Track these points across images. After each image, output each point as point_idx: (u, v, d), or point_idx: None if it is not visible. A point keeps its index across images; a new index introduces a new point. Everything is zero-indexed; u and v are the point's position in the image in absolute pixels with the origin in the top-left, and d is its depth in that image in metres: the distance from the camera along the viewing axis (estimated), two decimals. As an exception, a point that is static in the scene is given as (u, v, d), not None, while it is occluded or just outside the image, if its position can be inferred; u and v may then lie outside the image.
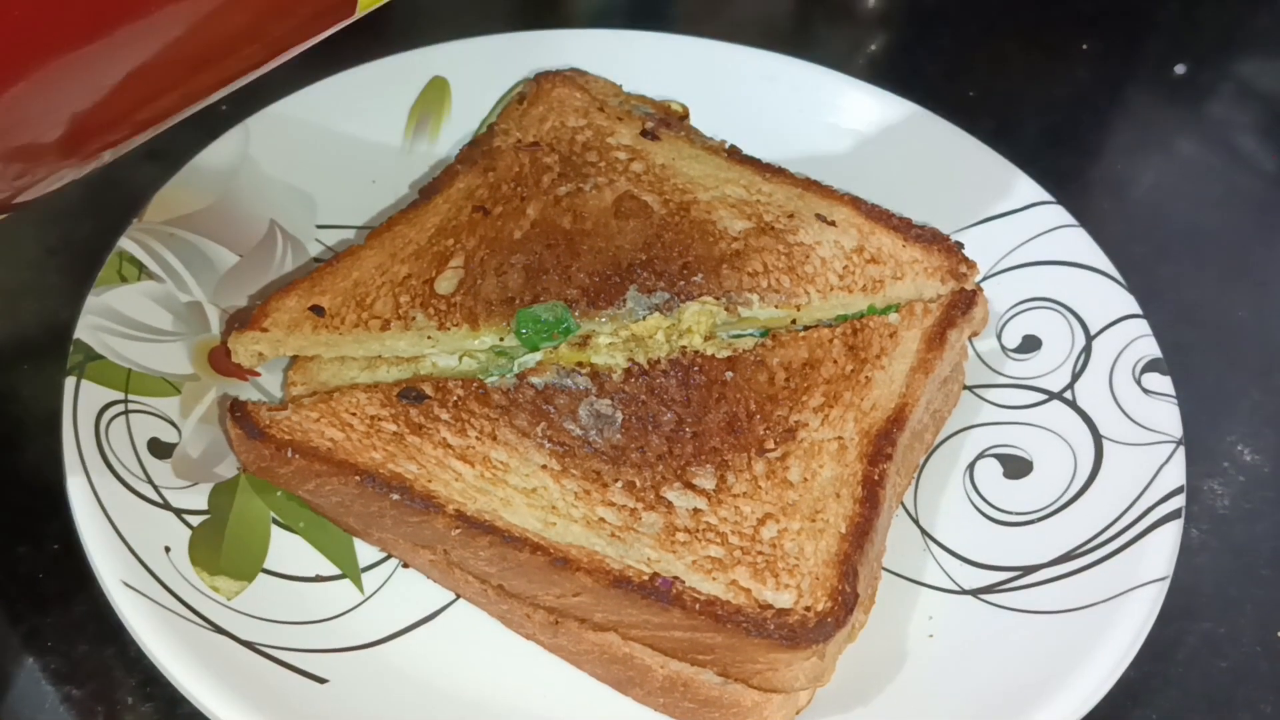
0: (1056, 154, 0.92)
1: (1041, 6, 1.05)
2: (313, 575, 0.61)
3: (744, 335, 0.68)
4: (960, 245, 0.71)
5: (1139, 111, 0.98)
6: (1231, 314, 0.83)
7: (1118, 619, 0.59)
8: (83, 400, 0.62)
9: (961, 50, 1.00)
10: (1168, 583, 0.60)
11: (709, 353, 0.66)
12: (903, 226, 0.72)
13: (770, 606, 0.55)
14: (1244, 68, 1.04)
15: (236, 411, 0.62)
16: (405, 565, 0.62)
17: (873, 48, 1.01)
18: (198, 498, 0.62)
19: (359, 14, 0.44)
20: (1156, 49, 1.03)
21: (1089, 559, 0.62)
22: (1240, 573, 0.69)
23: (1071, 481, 0.66)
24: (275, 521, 0.63)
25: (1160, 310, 0.75)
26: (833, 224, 0.72)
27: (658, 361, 0.65)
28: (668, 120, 0.78)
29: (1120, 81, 1.00)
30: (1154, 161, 0.94)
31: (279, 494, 0.63)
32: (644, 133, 0.76)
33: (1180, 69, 1.00)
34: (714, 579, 0.57)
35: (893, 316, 0.68)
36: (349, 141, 0.79)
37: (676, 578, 0.56)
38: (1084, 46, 1.01)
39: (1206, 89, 1.01)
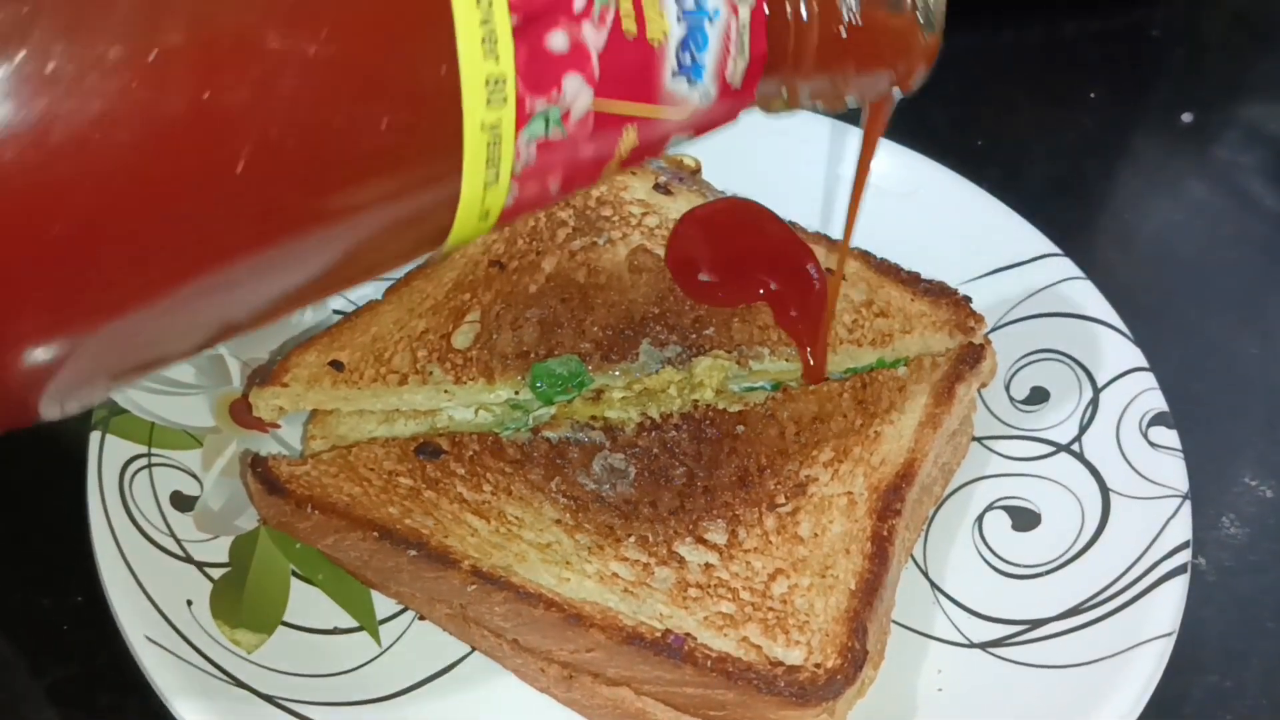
0: (1064, 202, 0.93)
1: (1048, 54, 1.06)
2: (331, 628, 0.63)
3: (755, 388, 0.69)
4: (968, 299, 0.72)
5: (1146, 159, 0.99)
6: (1239, 363, 0.84)
7: (1125, 674, 0.59)
8: (107, 455, 0.63)
9: (969, 99, 1.01)
10: (1174, 638, 0.61)
11: (720, 406, 0.67)
12: (911, 280, 0.73)
13: (781, 664, 0.56)
14: (1251, 112, 1.05)
15: (257, 467, 0.63)
16: (422, 618, 0.63)
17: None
18: (219, 550, 0.63)
19: (447, 248, 0.44)
20: (1163, 96, 1.04)
21: (1096, 613, 0.63)
22: (1246, 625, 0.69)
23: (1079, 534, 0.67)
24: (294, 574, 0.64)
25: (1168, 359, 0.76)
26: (842, 277, 0.73)
27: (670, 415, 0.66)
28: (681, 174, 0.79)
29: (1127, 129, 1.01)
30: (1162, 208, 0.95)
31: (298, 546, 0.64)
32: (657, 187, 0.77)
33: (1187, 117, 1.01)
34: (725, 636, 0.57)
35: (901, 370, 0.69)
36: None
37: (688, 634, 0.57)
38: (1091, 95, 1.02)
39: (1213, 134, 1.02)
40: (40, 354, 0.35)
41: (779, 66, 0.45)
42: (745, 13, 0.43)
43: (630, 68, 0.41)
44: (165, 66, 0.32)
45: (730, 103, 0.44)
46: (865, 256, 0.74)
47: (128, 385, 0.41)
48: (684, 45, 0.42)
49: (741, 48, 0.43)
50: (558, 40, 0.39)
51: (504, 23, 0.37)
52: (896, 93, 0.51)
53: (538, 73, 0.39)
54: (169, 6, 0.33)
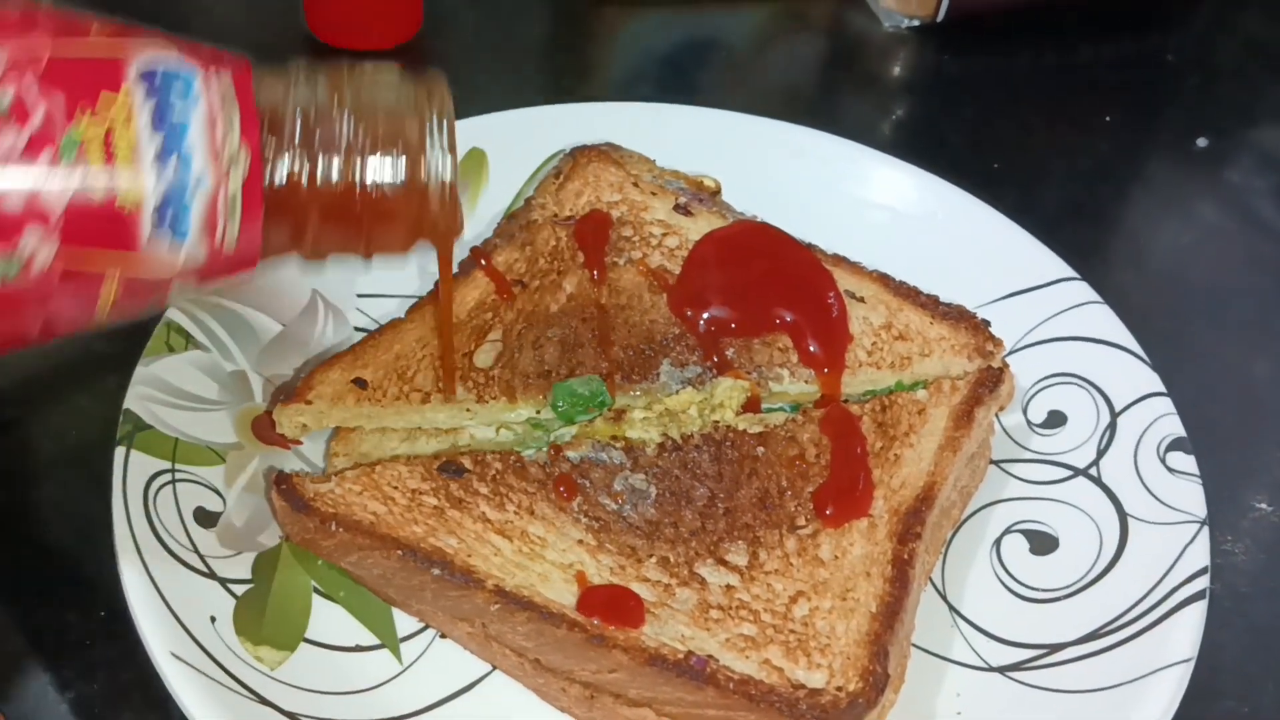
0: (1079, 225, 0.93)
1: (1064, 79, 1.07)
2: (352, 645, 0.63)
3: (775, 410, 0.69)
4: (987, 323, 0.72)
5: (1160, 183, 1.00)
6: (1253, 387, 0.84)
7: (1143, 700, 0.60)
8: (132, 470, 0.64)
9: (986, 121, 1.02)
10: (1192, 664, 0.61)
11: (741, 428, 0.67)
12: (930, 304, 0.73)
13: (803, 686, 0.57)
14: (1264, 137, 1.05)
15: (282, 484, 0.63)
16: (443, 636, 0.64)
17: (897, 117, 1.03)
18: (241, 567, 0.64)
19: None
20: (1178, 121, 1.04)
21: (1115, 638, 0.63)
22: (1263, 650, 0.69)
23: (1097, 559, 0.67)
24: (316, 591, 0.64)
25: (1184, 381, 0.76)
26: (861, 300, 0.73)
27: (691, 436, 0.67)
28: (700, 195, 0.79)
29: (1142, 153, 1.01)
30: (1176, 233, 0.96)
31: (320, 563, 0.65)
32: (677, 208, 0.78)
33: (1202, 142, 1.01)
34: (747, 658, 0.58)
35: (921, 393, 0.69)
36: (388, 212, 0.80)
37: (710, 656, 0.57)
38: (1107, 119, 1.03)
39: (1227, 159, 1.02)
40: None
41: (285, 228, 0.46)
42: (237, 178, 0.44)
43: (99, 225, 0.42)
44: None
45: (231, 258, 0.45)
46: (885, 279, 0.75)
47: None
48: (162, 208, 0.43)
49: (232, 212, 0.44)
50: (11, 199, 0.41)
51: None
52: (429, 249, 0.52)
53: None
54: None
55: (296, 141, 0.45)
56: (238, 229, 0.44)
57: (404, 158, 0.47)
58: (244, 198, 0.44)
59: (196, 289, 0.45)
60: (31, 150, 0.41)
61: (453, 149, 0.48)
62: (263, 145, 0.45)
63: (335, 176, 0.46)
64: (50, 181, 0.41)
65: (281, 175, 0.45)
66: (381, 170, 0.46)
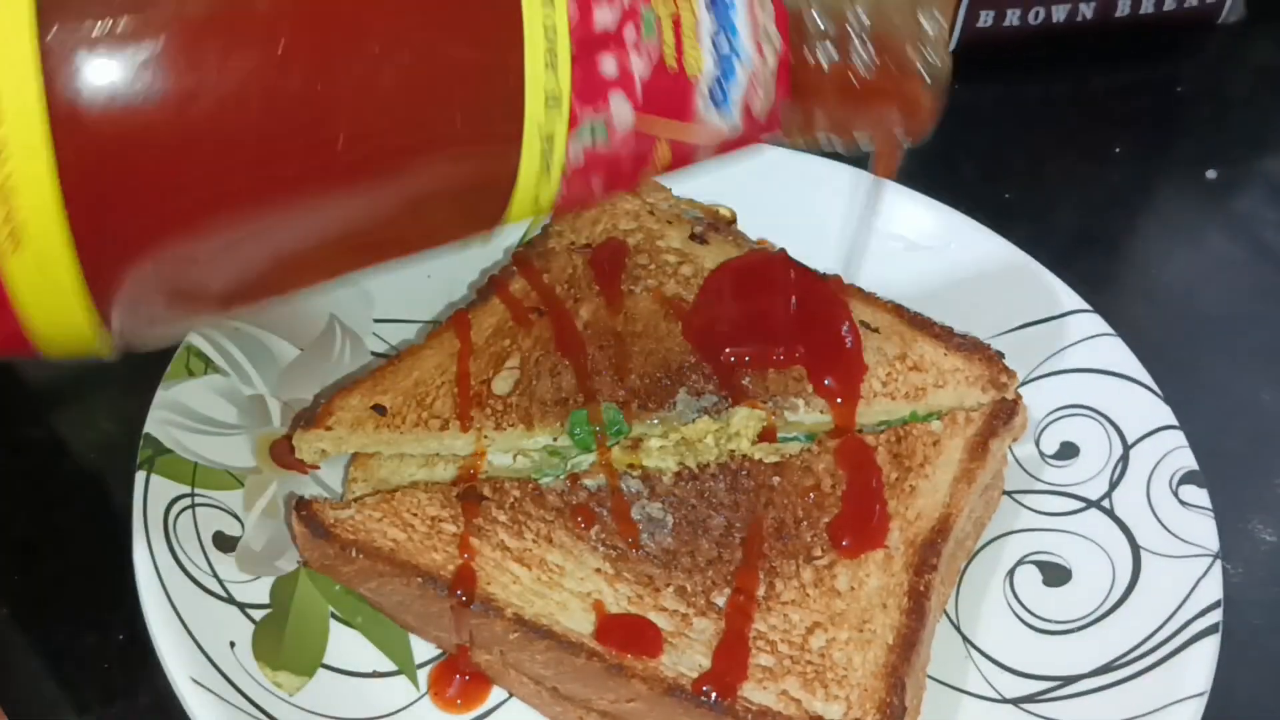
0: (1090, 256, 0.94)
1: (1075, 108, 1.07)
2: (370, 671, 0.63)
3: (790, 440, 0.70)
4: (1001, 355, 0.73)
5: (1171, 213, 1.00)
6: (1264, 417, 0.85)
7: (1157, 734, 0.60)
8: (152, 495, 0.64)
9: (997, 151, 1.02)
10: (1206, 698, 0.61)
11: (757, 457, 0.68)
12: (944, 335, 0.74)
13: (820, 718, 0.57)
14: (1274, 166, 1.06)
15: (303, 510, 0.64)
16: (460, 662, 0.64)
17: (909, 146, 1.04)
18: (260, 591, 0.64)
19: (505, 223, 0.50)
20: (1188, 151, 1.05)
21: (1128, 671, 0.63)
22: (1276, 683, 0.70)
23: (1110, 591, 0.67)
24: (334, 616, 0.65)
25: (1194, 411, 0.76)
26: (876, 331, 0.74)
27: (707, 465, 0.67)
28: (716, 224, 0.80)
29: (1152, 184, 1.02)
30: (1186, 263, 0.96)
31: (337, 588, 0.65)
32: (693, 236, 0.78)
33: (1212, 174, 1.02)
34: (765, 688, 0.58)
35: (936, 424, 0.70)
36: (406, 237, 0.81)
37: (729, 687, 0.58)
38: (1117, 149, 1.03)
39: (1237, 189, 1.03)
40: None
41: (798, 105, 0.53)
42: (772, 58, 0.50)
43: (668, 94, 0.48)
44: (290, 62, 0.41)
45: (754, 131, 0.52)
46: (899, 310, 0.75)
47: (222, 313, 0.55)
48: (716, 80, 0.49)
49: (767, 88, 0.50)
50: (608, 65, 0.47)
51: (565, 48, 0.46)
52: (904, 140, 0.58)
53: (589, 90, 0.46)
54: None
55: (817, 31, 0.52)
56: (769, 104, 0.51)
57: (904, 46, 0.53)
58: (777, 73, 0.51)
59: (713, 157, 0.52)
60: (622, 23, 0.47)
61: (945, 45, 0.54)
62: (790, 33, 0.51)
63: (856, 62, 0.52)
64: (634, 52, 0.47)
65: (805, 59, 0.51)
66: (886, 57, 0.52)
